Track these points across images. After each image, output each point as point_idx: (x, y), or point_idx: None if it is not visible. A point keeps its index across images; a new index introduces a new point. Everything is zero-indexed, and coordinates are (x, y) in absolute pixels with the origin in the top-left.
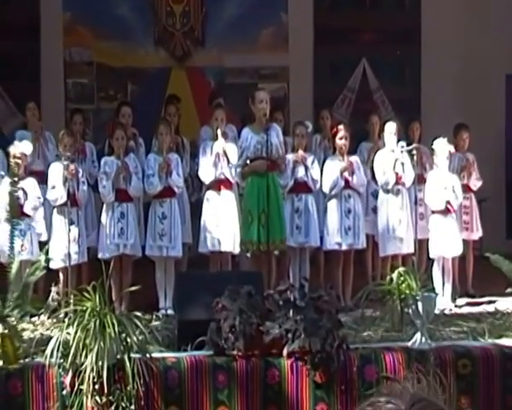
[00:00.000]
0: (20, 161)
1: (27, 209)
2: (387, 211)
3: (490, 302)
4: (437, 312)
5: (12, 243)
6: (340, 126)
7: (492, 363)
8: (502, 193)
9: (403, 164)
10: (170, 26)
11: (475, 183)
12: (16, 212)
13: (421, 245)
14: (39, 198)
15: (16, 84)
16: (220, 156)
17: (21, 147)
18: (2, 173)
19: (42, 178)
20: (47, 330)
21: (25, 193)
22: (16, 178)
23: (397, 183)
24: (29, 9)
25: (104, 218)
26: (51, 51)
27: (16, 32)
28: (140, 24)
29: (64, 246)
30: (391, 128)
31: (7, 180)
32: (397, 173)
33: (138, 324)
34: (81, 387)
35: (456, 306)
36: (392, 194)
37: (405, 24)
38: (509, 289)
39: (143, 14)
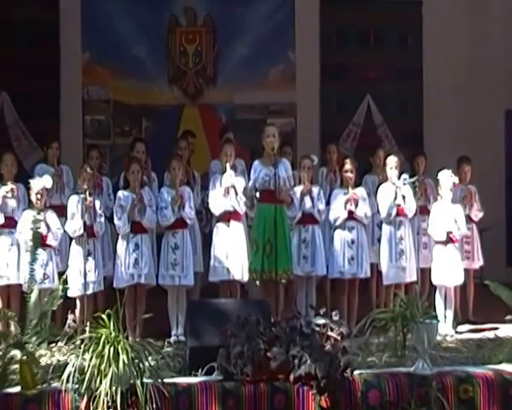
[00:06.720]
0: (40, 196)
1: (50, 241)
2: (390, 241)
3: (491, 329)
4: (438, 338)
5: (32, 273)
6: (347, 160)
7: (493, 388)
8: (502, 223)
9: (404, 196)
10: (183, 66)
11: (476, 214)
12: (38, 244)
13: (425, 273)
14: (59, 229)
15: (37, 122)
16: (229, 189)
17: (42, 181)
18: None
19: (59, 212)
20: (64, 356)
21: (47, 225)
22: (37, 212)
23: (398, 214)
24: (50, 51)
25: (119, 249)
26: (70, 90)
27: (37, 72)
28: (154, 63)
29: (81, 275)
30: (392, 162)
31: (28, 213)
32: (398, 205)
33: (151, 350)
34: None
35: (456, 332)
36: (393, 225)
37: (408, 61)
38: (508, 317)
39: (158, 55)
